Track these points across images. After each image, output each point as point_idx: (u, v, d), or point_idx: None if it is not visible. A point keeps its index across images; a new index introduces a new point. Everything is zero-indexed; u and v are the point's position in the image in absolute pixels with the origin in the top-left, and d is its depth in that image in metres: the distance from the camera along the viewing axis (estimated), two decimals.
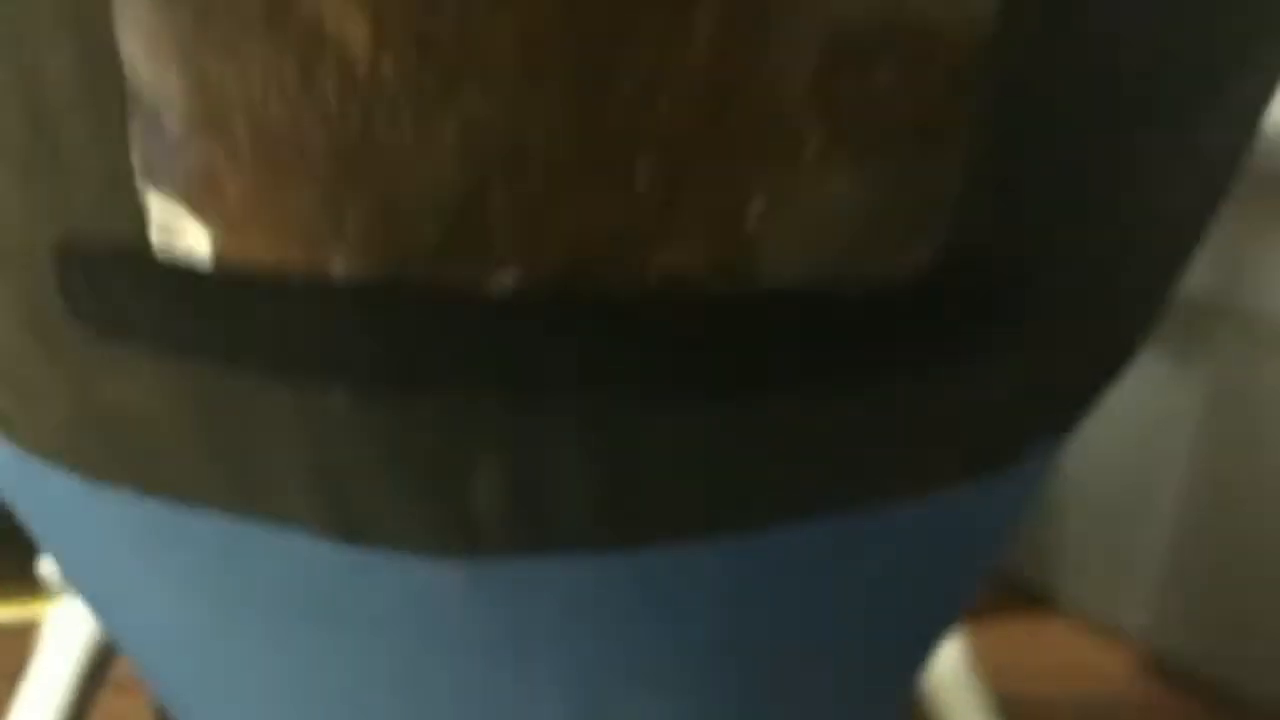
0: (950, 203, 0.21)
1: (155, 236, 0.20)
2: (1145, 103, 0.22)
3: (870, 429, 0.23)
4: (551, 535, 0.23)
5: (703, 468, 0.23)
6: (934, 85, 0.20)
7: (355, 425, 0.22)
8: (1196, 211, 0.26)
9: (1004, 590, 0.67)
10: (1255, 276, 0.53)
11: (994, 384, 0.24)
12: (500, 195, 0.20)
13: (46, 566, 1.02)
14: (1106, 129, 0.21)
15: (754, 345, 0.21)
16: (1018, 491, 0.30)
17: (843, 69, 0.19)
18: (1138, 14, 0.20)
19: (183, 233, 0.20)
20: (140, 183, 0.20)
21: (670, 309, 0.21)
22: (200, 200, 0.20)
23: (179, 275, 0.21)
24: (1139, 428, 0.58)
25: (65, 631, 0.98)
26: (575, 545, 0.23)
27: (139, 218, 0.20)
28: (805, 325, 0.21)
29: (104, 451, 0.24)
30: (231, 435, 0.22)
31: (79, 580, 0.29)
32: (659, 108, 0.19)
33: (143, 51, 0.19)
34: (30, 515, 0.29)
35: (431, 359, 0.21)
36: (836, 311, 0.22)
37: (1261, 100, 0.26)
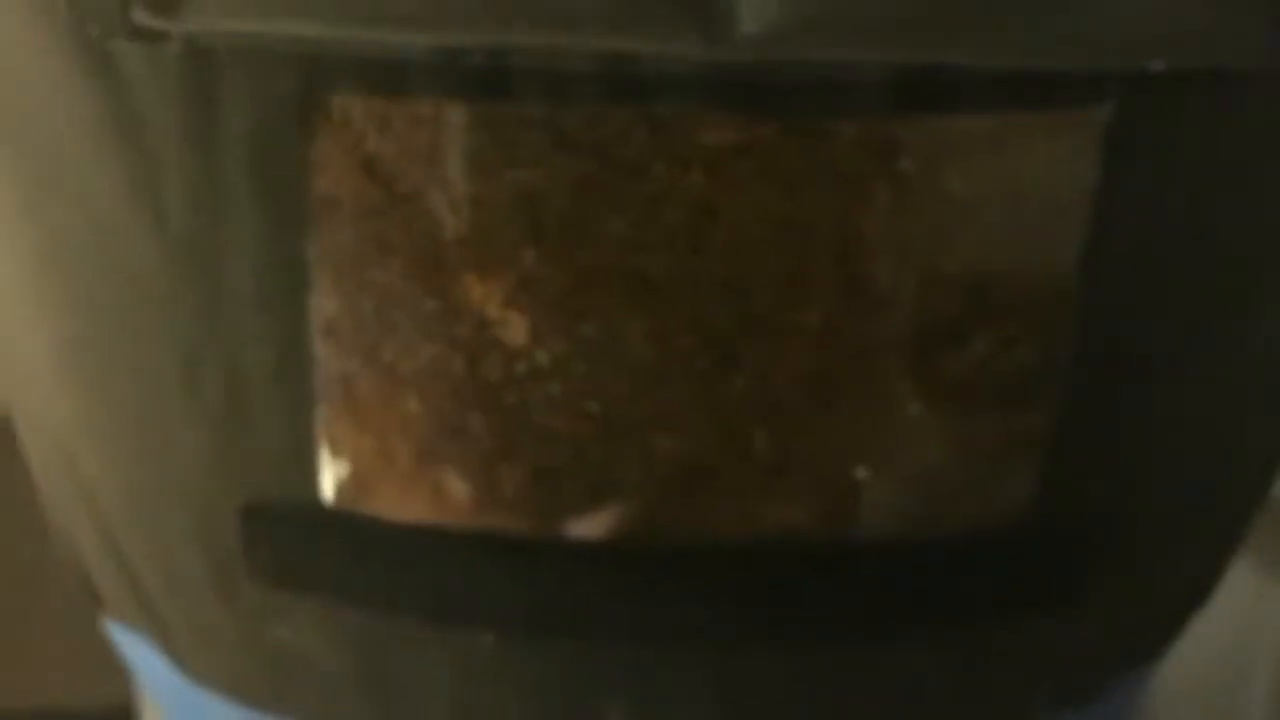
0: (1042, 455, 0.23)
1: (332, 500, 0.23)
2: (1226, 338, 0.24)
3: (963, 669, 0.25)
4: None
5: (812, 707, 0.25)
6: (1022, 351, 0.22)
7: (498, 667, 0.24)
8: (1276, 442, 0.28)
9: None
10: None
11: (1083, 624, 0.26)
12: (634, 463, 0.22)
13: None
14: (1192, 372, 0.24)
15: (860, 594, 0.24)
16: (1113, 716, 0.31)
17: (937, 347, 0.22)
18: (1210, 265, 0.23)
19: (356, 497, 0.23)
20: (318, 448, 0.23)
21: (781, 560, 0.23)
22: (374, 469, 0.23)
23: (351, 534, 0.23)
24: (1229, 634, 0.58)
25: None
26: None
27: (318, 483, 0.23)
28: (902, 575, 0.23)
29: (266, 684, 0.26)
30: (385, 672, 0.25)
31: None
32: (774, 389, 0.22)
33: (330, 332, 0.22)
34: None
35: (570, 608, 0.23)
36: (938, 558, 0.24)
37: None
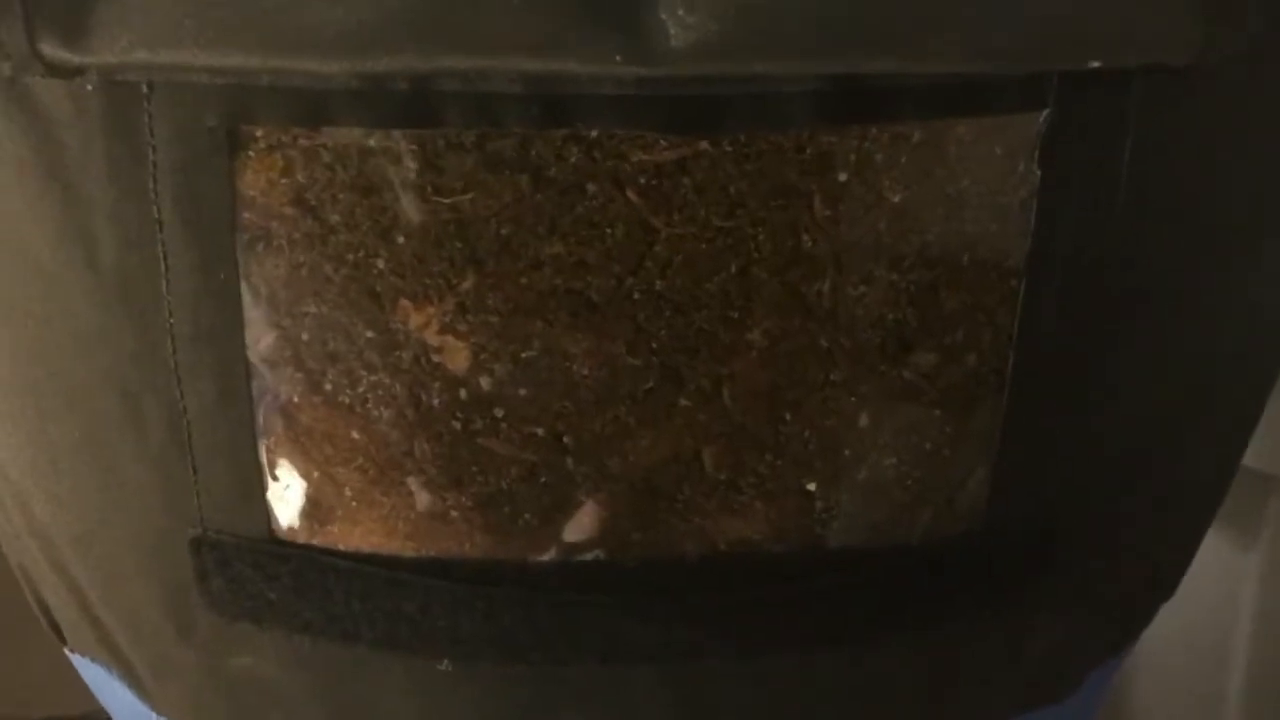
0: (994, 459, 0.23)
1: (278, 528, 0.23)
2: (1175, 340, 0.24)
3: (926, 675, 0.25)
4: None
5: (767, 718, 0.25)
6: (970, 357, 0.22)
7: (458, 690, 0.24)
8: (1236, 428, 0.28)
9: None
10: None
11: (1048, 622, 0.25)
12: (585, 485, 0.22)
13: None
14: (1144, 372, 0.23)
15: (821, 605, 0.23)
16: (1083, 705, 0.31)
17: (884, 357, 0.22)
18: (1157, 263, 0.22)
19: (302, 524, 0.23)
20: (265, 480, 0.23)
21: (738, 574, 0.23)
22: (322, 499, 0.23)
23: (304, 564, 0.23)
24: (1201, 599, 0.59)
25: None
26: None
27: (264, 512, 0.23)
28: (863, 584, 0.23)
29: (230, 715, 0.26)
30: (346, 699, 0.25)
31: None
32: (721, 406, 0.22)
33: (269, 364, 0.22)
34: None
35: (527, 631, 0.23)
36: (895, 566, 0.23)
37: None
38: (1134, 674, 0.61)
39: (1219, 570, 0.57)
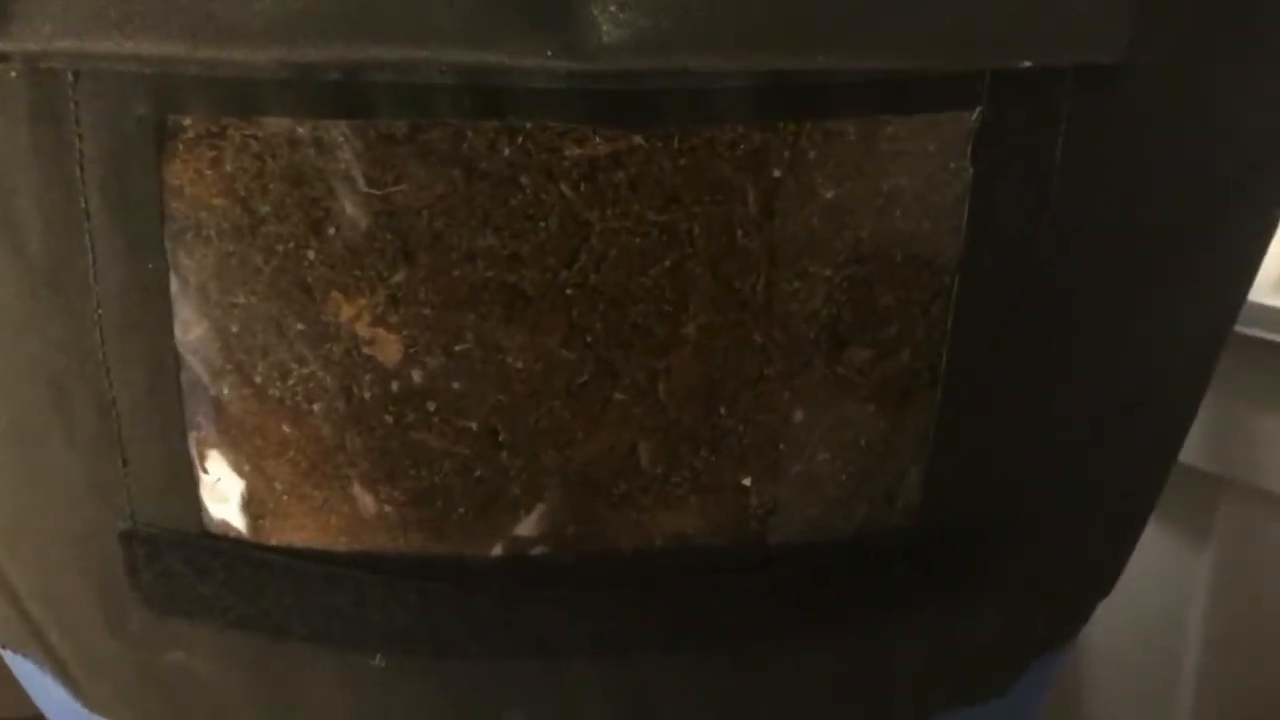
0: (927, 454, 0.23)
1: (209, 521, 0.23)
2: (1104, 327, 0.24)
3: (864, 669, 0.25)
4: None
5: (710, 712, 0.24)
6: (904, 353, 0.22)
7: (394, 685, 0.24)
8: (1170, 426, 0.28)
9: None
10: (1256, 448, 0.54)
11: (984, 618, 0.26)
12: (520, 478, 0.22)
13: None
14: (1077, 369, 0.24)
15: (758, 598, 0.23)
16: (1024, 699, 0.31)
17: (819, 353, 0.22)
18: (1092, 261, 0.23)
19: (234, 518, 0.23)
20: (196, 473, 0.23)
21: (675, 569, 0.23)
22: (254, 493, 0.22)
23: (231, 557, 0.23)
24: (1152, 596, 0.59)
25: None
26: None
27: (195, 505, 0.23)
28: (799, 579, 0.23)
29: (163, 710, 0.26)
30: (282, 694, 0.24)
31: None
32: (656, 400, 0.22)
33: (198, 355, 0.21)
34: None
35: (462, 626, 0.23)
36: (830, 561, 0.24)
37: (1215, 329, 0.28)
38: (1086, 674, 0.62)
39: (1170, 572, 0.58)
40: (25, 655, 0.27)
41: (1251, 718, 0.57)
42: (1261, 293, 0.46)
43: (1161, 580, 0.58)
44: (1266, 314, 0.50)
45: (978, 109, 0.20)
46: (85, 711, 0.27)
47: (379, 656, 0.23)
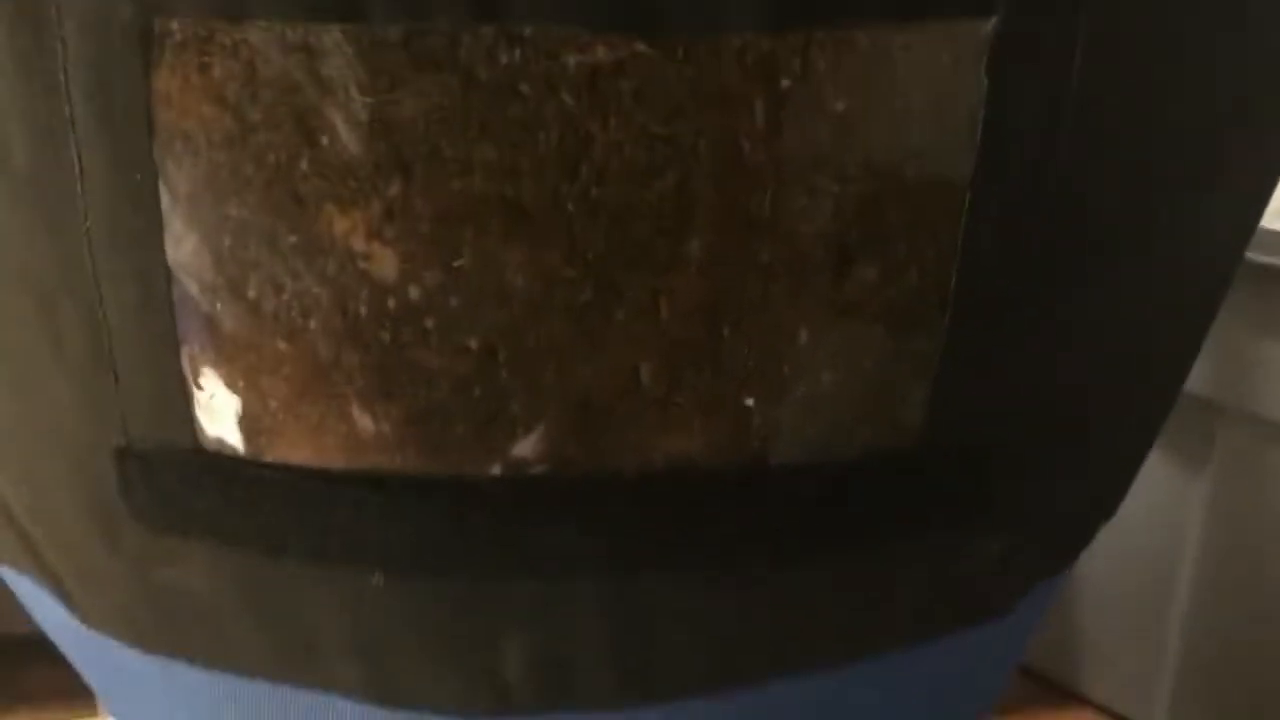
0: (934, 374, 0.23)
1: (204, 439, 0.22)
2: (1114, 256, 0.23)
3: (866, 590, 0.25)
4: (575, 697, 0.25)
5: (710, 632, 0.24)
6: (912, 272, 0.22)
7: (393, 605, 0.24)
8: (1180, 355, 0.28)
9: (1032, 683, 0.67)
10: (1255, 374, 0.54)
11: (987, 540, 0.25)
12: (520, 397, 0.22)
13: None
14: (1089, 289, 0.23)
15: (759, 520, 0.23)
16: (1024, 621, 0.31)
17: (825, 271, 0.21)
18: (1106, 178, 0.22)
19: (229, 435, 0.22)
20: (189, 389, 0.22)
21: (677, 489, 0.23)
22: (248, 410, 0.22)
23: (227, 474, 0.23)
24: (1148, 522, 0.59)
25: None
26: (597, 706, 0.25)
27: (189, 422, 0.22)
28: (800, 500, 0.23)
29: (159, 628, 0.26)
30: (278, 613, 0.24)
31: None
32: (658, 319, 0.21)
33: (190, 270, 0.21)
34: (91, 676, 0.30)
35: (460, 546, 0.23)
36: (832, 482, 0.23)
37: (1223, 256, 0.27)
38: (1079, 598, 0.62)
39: (1166, 498, 0.58)
40: (21, 572, 0.27)
41: (1245, 642, 0.57)
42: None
43: (1158, 506, 0.58)
44: (1265, 237, 0.49)
45: (994, 17, 0.19)
46: (83, 628, 0.27)
47: (377, 575, 0.23)
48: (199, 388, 0.22)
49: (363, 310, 0.21)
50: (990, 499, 0.25)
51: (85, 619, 0.27)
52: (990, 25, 0.19)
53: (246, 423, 0.22)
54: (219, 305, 0.21)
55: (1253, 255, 0.50)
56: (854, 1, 0.19)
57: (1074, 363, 0.24)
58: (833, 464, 0.23)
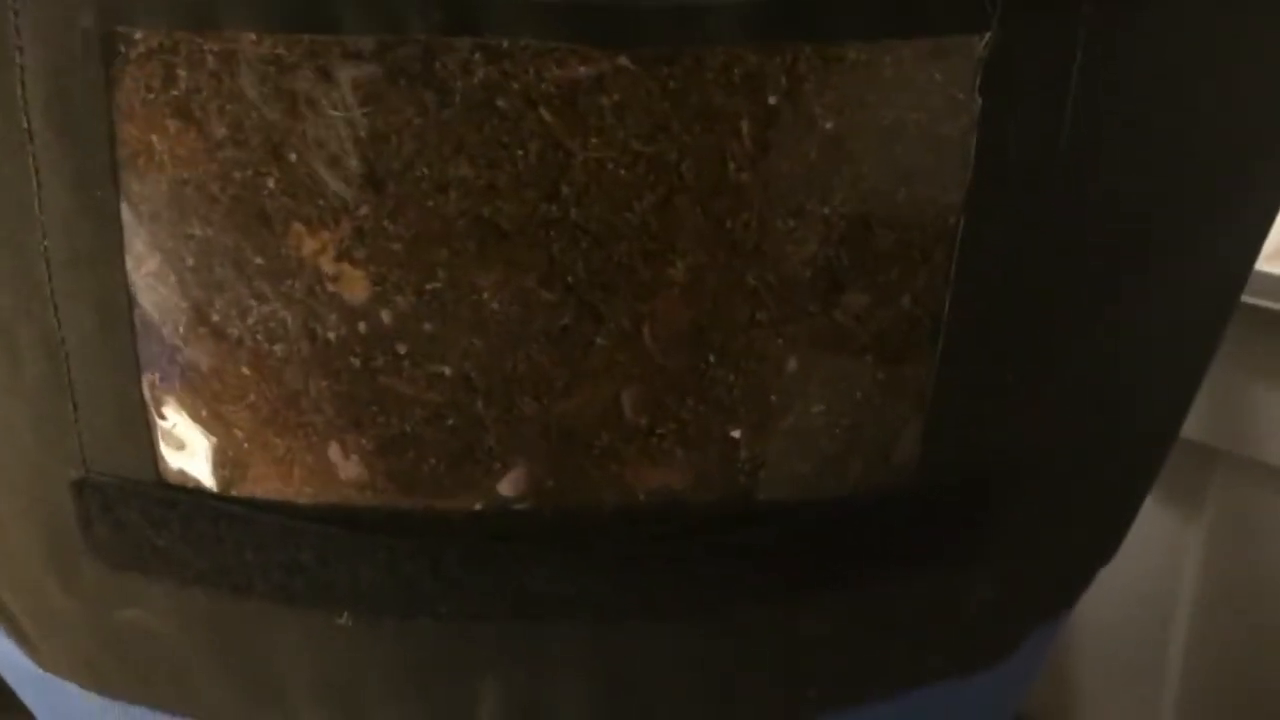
0: (927, 408, 0.22)
1: (166, 471, 0.21)
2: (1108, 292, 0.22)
3: (860, 636, 0.24)
4: None
5: (691, 679, 0.23)
6: (903, 299, 0.21)
7: (359, 646, 0.22)
8: (1178, 391, 0.27)
9: None
10: (1250, 419, 0.54)
11: (984, 582, 0.24)
12: (496, 428, 0.21)
13: None
14: (1087, 322, 0.22)
15: (747, 560, 0.22)
16: (1021, 669, 0.30)
17: (814, 298, 0.20)
18: (1106, 206, 0.21)
19: (192, 467, 0.21)
20: (151, 418, 0.21)
21: (661, 529, 0.22)
22: (208, 438, 0.21)
23: (190, 509, 0.21)
24: (1144, 567, 0.59)
25: None
26: None
27: (150, 453, 0.21)
28: (791, 538, 0.22)
29: (120, 672, 0.24)
30: (244, 654, 0.23)
31: None
32: (641, 346, 0.20)
33: (152, 292, 0.20)
34: None
35: (432, 586, 0.22)
36: (824, 521, 0.22)
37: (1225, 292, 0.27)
38: (1076, 644, 0.61)
39: (1162, 543, 0.57)
40: None
41: (1242, 690, 0.56)
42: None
43: (1154, 551, 0.57)
44: (1261, 281, 0.48)
45: (988, 34, 0.19)
46: (40, 672, 0.26)
47: (345, 615, 0.22)
48: (161, 417, 0.21)
49: (332, 335, 0.20)
50: (987, 539, 0.24)
51: (42, 663, 0.26)
52: (983, 43, 0.19)
53: (211, 454, 0.21)
54: (182, 329, 0.20)
55: (1249, 298, 0.49)
56: (842, 15, 0.18)
57: (1071, 396, 0.23)
58: (822, 501, 0.22)
